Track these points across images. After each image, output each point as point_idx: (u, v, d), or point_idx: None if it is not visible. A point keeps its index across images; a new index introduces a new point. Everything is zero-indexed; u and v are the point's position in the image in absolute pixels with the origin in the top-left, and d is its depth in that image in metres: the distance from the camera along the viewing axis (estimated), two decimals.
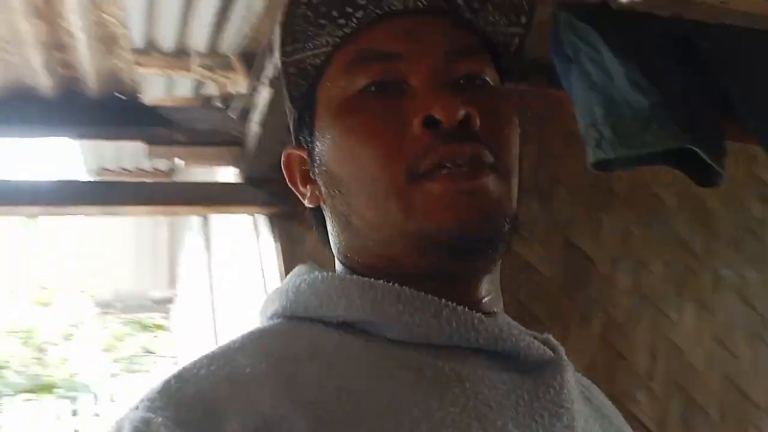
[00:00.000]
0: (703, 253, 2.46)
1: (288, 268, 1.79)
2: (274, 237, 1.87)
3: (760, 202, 2.64)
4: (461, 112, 0.46)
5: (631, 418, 1.96)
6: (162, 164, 3.28)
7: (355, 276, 0.50)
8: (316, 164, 0.53)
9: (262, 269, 1.96)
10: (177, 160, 1.99)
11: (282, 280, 1.73)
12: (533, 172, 2.20)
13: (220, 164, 2.01)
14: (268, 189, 1.86)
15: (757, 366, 2.32)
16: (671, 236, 2.41)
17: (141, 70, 1.97)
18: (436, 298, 0.47)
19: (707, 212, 2.55)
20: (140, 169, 3.30)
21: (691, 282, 2.35)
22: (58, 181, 1.75)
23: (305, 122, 0.54)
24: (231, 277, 2.61)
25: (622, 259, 2.26)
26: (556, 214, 2.20)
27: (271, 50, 1.59)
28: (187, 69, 1.99)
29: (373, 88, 0.49)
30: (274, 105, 1.63)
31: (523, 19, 0.54)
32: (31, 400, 9.32)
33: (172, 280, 5.06)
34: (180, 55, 2.01)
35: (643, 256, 2.30)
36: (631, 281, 2.22)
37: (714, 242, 2.50)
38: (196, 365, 0.43)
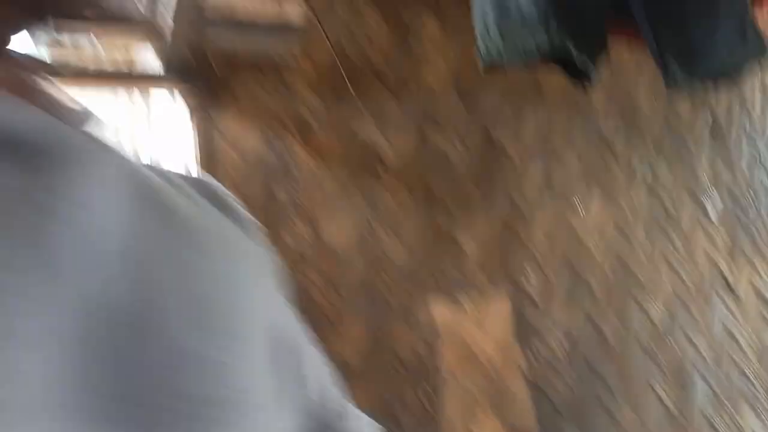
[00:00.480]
0: (622, 150, 2.60)
1: (204, 148, 1.94)
2: (190, 116, 1.93)
3: (691, 103, 2.74)
4: None
5: (519, 290, 2.21)
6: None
7: None
8: None
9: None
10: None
11: (198, 162, 1.82)
12: (457, 69, 2.32)
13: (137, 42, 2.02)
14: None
15: (652, 253, 2.52)
16: (593, 133, 2.52)
17: None
18: None
19: (635, 111, 2.66)
20: None
21: (603, 176, 2.49)
22: None
23: None
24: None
25: (537, 152, 2.38)
26: (480, 108, 2.32)
27: None
28: None
29: None
30: None
31: None
32: None
33: None
34: None
35: (560, 150, 2.44)
36: (542, 173, 2.36)
37: (636, 140, 2.63)
38: None
